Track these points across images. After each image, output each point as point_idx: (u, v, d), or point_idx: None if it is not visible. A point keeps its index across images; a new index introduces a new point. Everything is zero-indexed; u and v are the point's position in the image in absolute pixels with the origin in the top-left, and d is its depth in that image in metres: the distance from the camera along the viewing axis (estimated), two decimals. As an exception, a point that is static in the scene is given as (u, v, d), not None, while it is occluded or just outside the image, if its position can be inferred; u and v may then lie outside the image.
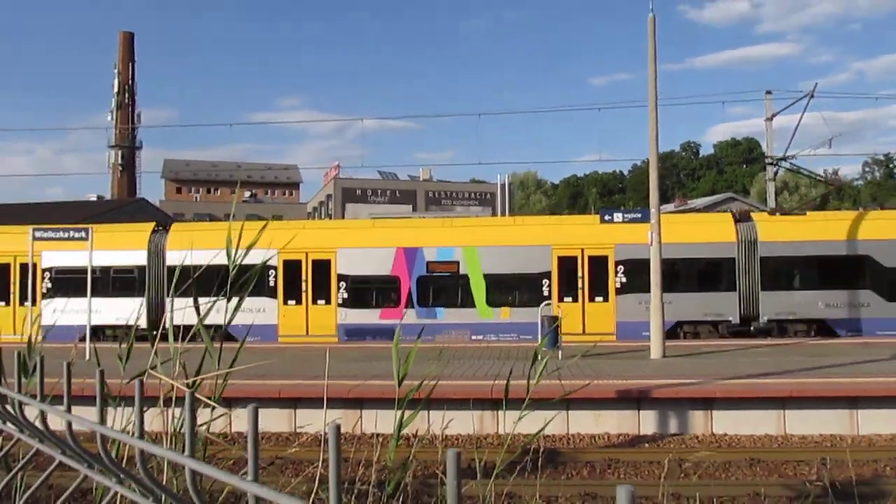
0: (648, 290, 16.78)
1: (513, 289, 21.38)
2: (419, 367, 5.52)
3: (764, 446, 10.99)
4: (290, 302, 21.80)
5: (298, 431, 11.72)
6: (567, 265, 21.41)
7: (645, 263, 17.23)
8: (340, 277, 21.63)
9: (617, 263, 21.19)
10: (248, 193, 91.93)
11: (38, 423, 1.19)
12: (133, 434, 1.03)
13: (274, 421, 11.66)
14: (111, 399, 4.14)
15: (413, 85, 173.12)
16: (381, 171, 68.77)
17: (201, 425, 4.14)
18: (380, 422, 11.36)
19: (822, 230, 21.12)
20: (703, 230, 21.90)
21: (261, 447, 10.98)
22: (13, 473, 1.39)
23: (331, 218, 56.80)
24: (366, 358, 16.31)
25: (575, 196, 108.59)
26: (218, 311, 4.16)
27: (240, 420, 8.22)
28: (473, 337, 21.24)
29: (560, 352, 15.87)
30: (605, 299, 21.28)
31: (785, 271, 21.18)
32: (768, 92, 29.61)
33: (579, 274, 21.42)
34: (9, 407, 1.26)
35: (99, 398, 0.85)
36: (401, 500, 4.57)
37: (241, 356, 4.09)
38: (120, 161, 79.86)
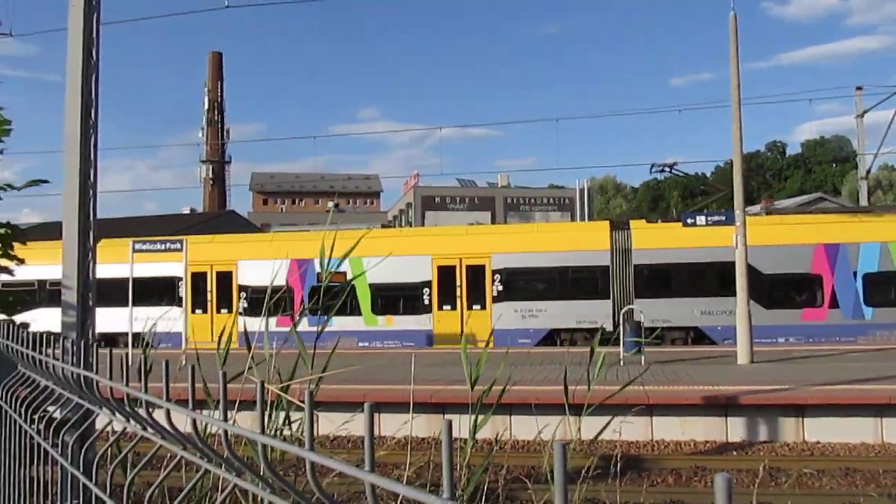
0: (524, 299, 18.26)
1: (396, 298, 22.02)
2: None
3: (860, 455, 10.56)
4: (197, 311, 23.05)
5: (383, 435, 12.00)
6: (446, 274, 22.06)
7: (521, 272, 17.79)
8: (241, 288, 23.09)
9: (494, 272, 21.63)
10: (330, 203, 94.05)
11: (165, 423, 1.32)
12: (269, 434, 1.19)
13: (356, 425, 11.94)
14: (210, 401, 4.44)
15: (491, 92, 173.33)
16: (459, 178, 69.14)
17: (292, 422, 4.39)
18: (464, 427, 11.49)
19: (699, 237, 20.72)
20: (578, 238, 22.08)
21: (346, 451, 11.32)
22: (164, 476, 1.52)
23: (411, 226, 57.43)
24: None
25: (656, 199, 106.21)
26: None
27: (327, 423, 8.52)
28: (360, 344, 21.90)
29: (643, 357, 15.68)
30: (483, 307, 21.71)
31: (660, 279, 21.03)
32: (858, 88, 28.42)
33: (458, 283, 22.06)
34: (140, 410, 1.37)
35: (259, 404, 0.98)
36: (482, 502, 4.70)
37: (327, 361, 4.32)
38: (210, 175, 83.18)
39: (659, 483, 9.52)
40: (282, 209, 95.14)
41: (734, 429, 11.57)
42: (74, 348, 1.55)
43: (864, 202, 28.50)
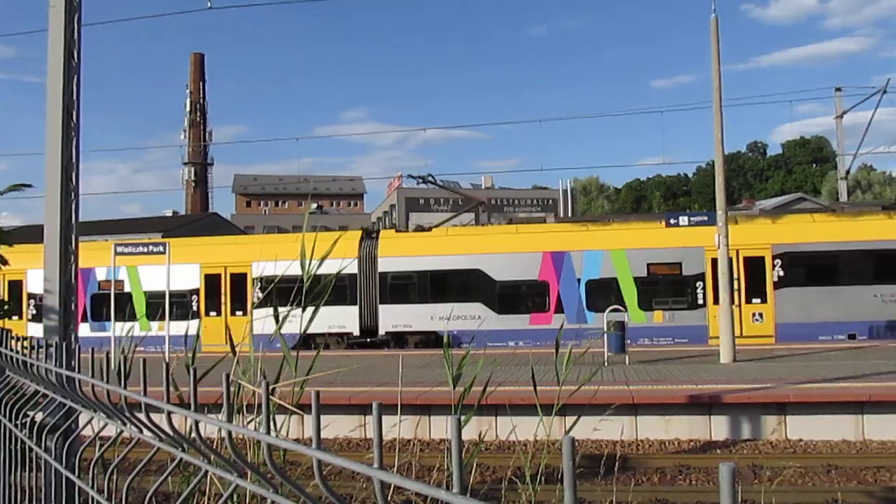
0: (280, 305, 18.23)
1: (169, 305, 22.54)
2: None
3: (842, 452, 10.68)
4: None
5: (368, 438, 11.98)
6: (212, 283, 23.32)
7: (281, 279, 18.97)
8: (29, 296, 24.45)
9: (254, 280, 22.92)
10: (314, 205, 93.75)
11: (165, 426, 1.31)
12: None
13: (344, 427, 11.93)
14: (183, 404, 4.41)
15: (475, 94, 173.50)
16: (443, 180, 69.22)
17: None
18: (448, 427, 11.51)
19: (440, 245, 21.92)
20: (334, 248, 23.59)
21: (337, 453, 11.29)
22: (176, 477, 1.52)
23: (395, 227, 57.42)
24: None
25: (638, 200, 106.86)
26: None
27: (308, 426, 8.50)
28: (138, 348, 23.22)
29: (627, 357, 15.78)
30: (245, 313, 22.90)
31: (402, 285, 22.12)
32: (838, 89, 28.73)
33: (222, 290, 23.37)
34: (140, 415, 1.35)
35: (265, 407, 0.97)
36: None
37: (311, 364, 4.33)
38: (193, 177, 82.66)
39: (644, 482, 9.58)
40: (265, 211, 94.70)
41: (717, 427, 11.67)
42: (58, 352, 1.54)
43: (843, 201, 28.86)
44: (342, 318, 22.31)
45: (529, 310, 22.15)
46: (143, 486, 1.49)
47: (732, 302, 16.83)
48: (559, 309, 21.82)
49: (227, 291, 23.50)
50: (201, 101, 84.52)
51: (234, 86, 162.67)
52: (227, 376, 1.09)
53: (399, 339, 22.33)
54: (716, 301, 20.42)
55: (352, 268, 22.36)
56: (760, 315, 21.30)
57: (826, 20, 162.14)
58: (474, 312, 21.70)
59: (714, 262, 20.33)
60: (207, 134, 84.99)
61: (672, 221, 21.69)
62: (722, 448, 11.19)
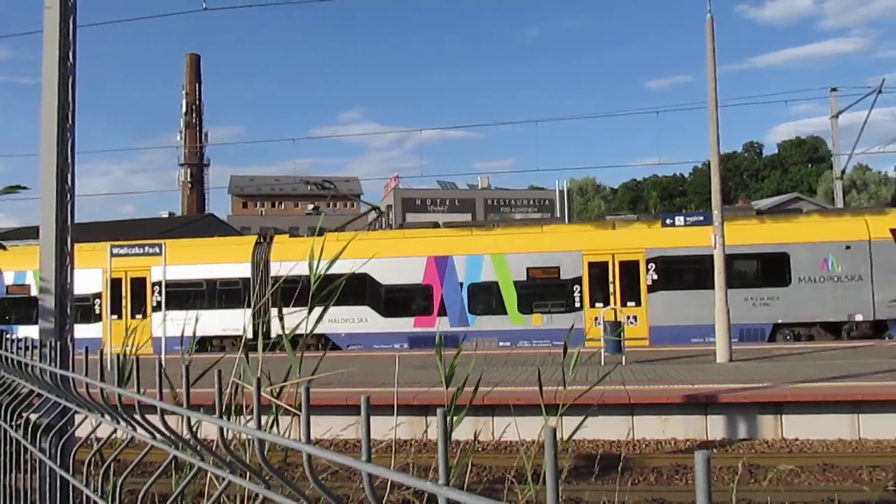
0: (182, 308, 20.94)
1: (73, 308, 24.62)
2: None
3: (837, 451, 10.71)
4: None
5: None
6: (116, 286, 24.01)
7: (179, 284, 22.03)
8: None
9: (154, 285, 23.75)
10: (310, 206, 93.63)
11: (159, 425, 1.32)
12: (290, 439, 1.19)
13: (340, 428, 11.94)
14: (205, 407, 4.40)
15: (471, 95, 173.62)
16: (440, 180, 69.26)
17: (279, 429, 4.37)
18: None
19: (331, 250, 22.83)
20: (227, 252, 24.42)
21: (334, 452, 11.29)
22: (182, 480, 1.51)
23: (391, 227, 57.46)
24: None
25: (635, 200, 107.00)
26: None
27: (313, 426, 8.49)
28: None
29: (623, 357, 15.80)
30: (144, 316, 23.94)
31: (293, 289, 23.03)
32: (833, 89, 28.81)
33: (123, 294, 24.25)
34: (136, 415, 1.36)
35: (256, 404, 0.98)
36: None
37: (317, 365, 4.33)
38: (189, 178, 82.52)
39: (641, 482, 9.59)
40: (261, 212, 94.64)
41: (714, 427, 11.70)
42: (52, 352, 1.55)
43: (839, 202, 28.93)
44: (237, 321, 22.97)
45: (414, 313, 22.60)
46: (140, 486, 1.48)
47: (604, 304, 18.43)
48: (442, 312, 22.36)
49: (128, 295, 24.37)
50: (197, 102, 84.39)
51: (230, 87, 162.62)
52: (220, 373, 1.10)
53: (292, 342, 22.76)
54: (592, 304, 21.87)
55: (244, 272, 23.52)
56: (635, 318, 21.78)
57: (821, 21, 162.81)
58: (362, 315, 22.36)
59: (591, 265, 21.96)
60: (203, 135, 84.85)
61: (668, 222, 21.74)
62: (718, 447, 11.21)
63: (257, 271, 23.33)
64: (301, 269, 25.36)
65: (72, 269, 7.63)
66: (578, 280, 21.97)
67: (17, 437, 1.62)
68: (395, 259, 22.49)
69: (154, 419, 1.36)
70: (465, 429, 10.85)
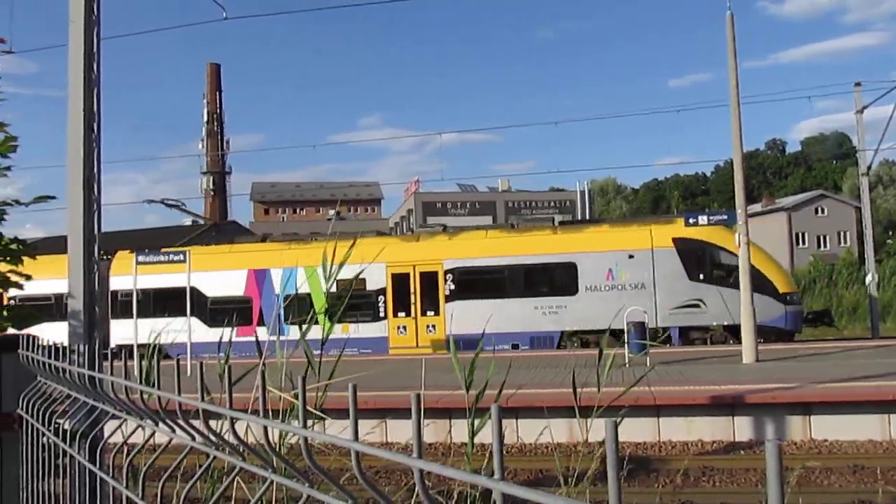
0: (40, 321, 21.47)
1: None
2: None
3: (868, 452, 10.55)
4: None
5: (390, 442, 12.03)
6: None
7: (36, 298, 20.81)
8: None
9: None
10: (331, 211, 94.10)
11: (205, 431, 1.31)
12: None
13: (363, 431, 11.96)
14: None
15: (490, 98, 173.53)
16: (460, 183, 69.32)
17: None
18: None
19: (164, 266, 22.94)
20: (63, 267, 26.24)
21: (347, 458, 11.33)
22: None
23: (412, 232, 57.67)
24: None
25: (657, 200, 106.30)
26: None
27: (338, 430, 8.54)
28: None
29: (648, 358, 15.70)
30: None
31: (127, 302, 22.51)
32: (857, 83, 28.37)
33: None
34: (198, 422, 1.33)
35: (302, 402, 0.97)
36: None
37: (333, 368, 4.36)
38: (212, 186, 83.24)
39: (667, 484, 9.52)
40: (283, 218, 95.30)
41: (741, 428, 11.57)
42: (83, 357, 1.58)
43: (865, 198, 28.51)
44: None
45: (236, 323, 23.26)
46: (177, 490, 1.50)
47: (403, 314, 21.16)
48: (261, 322, 23.19)
49: None
50: (218, 110, 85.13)
51: (251, 94, 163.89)
52: (263, 374, 1.11)
53: (128, 351, 23.76)
54: (395, 314, 23.01)
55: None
56: (434, 326, 22.58)
57: (843, 15, 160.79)
58: (191, 325, 22.93)
59: (394, 276, 22.97)
60: (225, 143, 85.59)
61: (691, 221, 21.57)
62: (746, 449, 11.09)
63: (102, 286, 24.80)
64: (146, 283, 25.56)
65: (98, 275, 7.75)
66: (383, 291, 23.02)
67: (55, 439, 1.65)
68: (221, 273, 23.79)
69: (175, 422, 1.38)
70: (488, 432, 10.82)
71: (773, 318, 20.38)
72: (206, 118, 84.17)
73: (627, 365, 15.34)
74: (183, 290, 20.02)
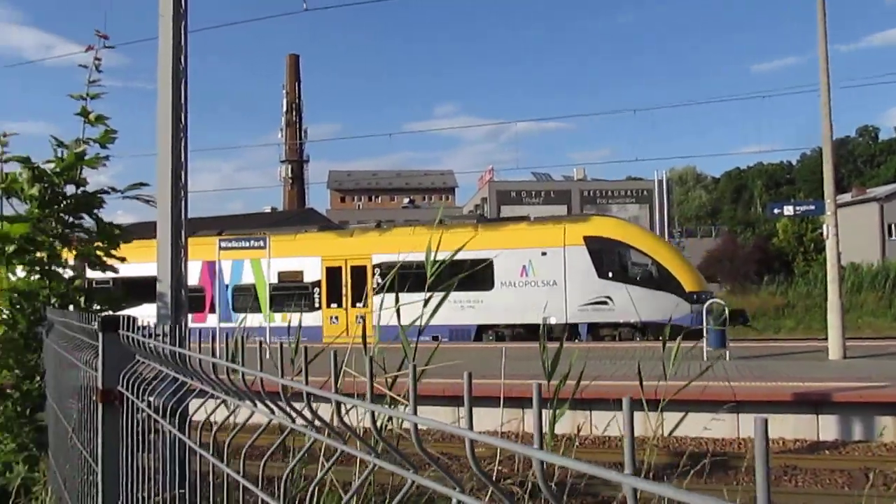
0: None
1: None
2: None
3: (966, 456, 10.00)
4: None
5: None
6: None
7: None
8: None
9: None
10: (406, 199, 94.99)
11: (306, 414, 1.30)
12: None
13: (438, 418, 12.04)
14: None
15: (566, 85, 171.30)
16: (535, 172, 68.77)
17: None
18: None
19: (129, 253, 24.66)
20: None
21: (429, 444, 11.44)
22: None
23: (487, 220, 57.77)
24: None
25: (738, 189, 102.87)
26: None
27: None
28: None
29: (727, 352, 15.28)
30: None
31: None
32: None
33: None
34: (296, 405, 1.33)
35: (412, 389, 0.96)
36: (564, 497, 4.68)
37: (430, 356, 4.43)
38: (290, 174, 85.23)
39: (747, 482, 9.26)
40: (359, 206, 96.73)
41: (826, 427, 11.14)
42: (173, 337, 1.65)
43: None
44: None
45: (192, 310, 24.42)
46: (259, 467, 1.53)
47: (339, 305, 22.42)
48: (213, 310, 24.25)
49: None
50: (297, 100, 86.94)
51: (329, 83, 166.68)
52: (371, 359, 1.12)
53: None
54: (329, 304, 24.44)
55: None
56: (363, 317, 23.02)
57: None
58: (150, 313, 23.68)
59: (328, 269, 24.49)
60: (303, 132, 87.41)
61: (776, 212, 20.80)
62: (831, 449, 10.67)
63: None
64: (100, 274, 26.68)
65: (186, 260, 8.06)
66: (318, 283, 24.60)
67: (150, 412, 1.73)
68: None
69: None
70: (564, 424, 10.76)
71: (679, 316, 20.29)
72: (285, 108, 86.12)
73: (705, 358, 14.97)
74: (147, 278, 21.03)
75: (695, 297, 21.48)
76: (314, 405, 1.24)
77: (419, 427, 0.99)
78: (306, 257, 24.71)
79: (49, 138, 4.82)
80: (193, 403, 1.70)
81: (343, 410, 1.29)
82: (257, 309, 24.26)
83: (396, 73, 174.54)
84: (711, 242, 56.77)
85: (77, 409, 2.63)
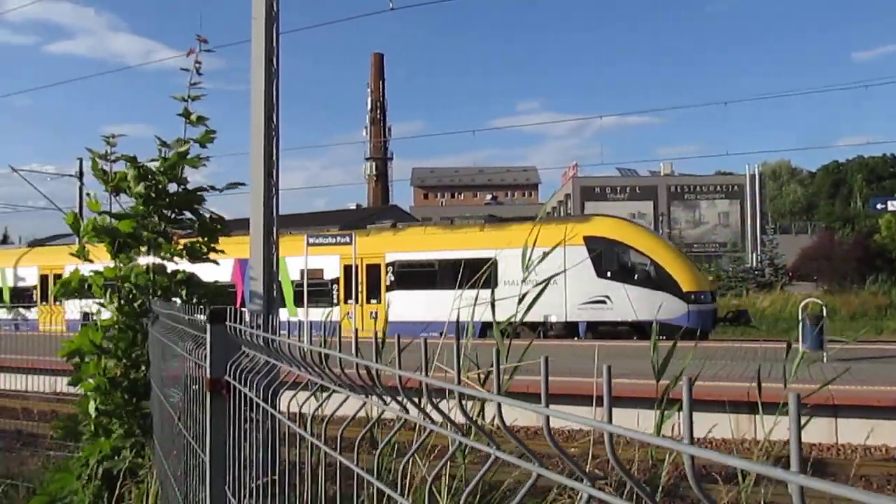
0: None
1: None
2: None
3: None
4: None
5: (560, 428, 12.00)
6: None
7: None
8: None
9: None
10: (489, 196, 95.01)
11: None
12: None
13: (523, 414, 12.00)
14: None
15: (653, 78, 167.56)
16: (620, 167, 67.50)
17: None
18: (642, 422, 11.26)
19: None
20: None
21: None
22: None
23: (570, 216, 57.10)
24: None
25: (836, 184, 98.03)
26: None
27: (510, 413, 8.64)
28: None
29: (825, 354, 14.64)
30: None
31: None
32: None
33: None
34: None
35: (607, 384, 0.94)
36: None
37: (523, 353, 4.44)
38: (374, 172, 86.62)
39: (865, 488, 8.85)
40: (442, 203, 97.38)
41: (934, 436, 10.51)
42: (267, 328, 1.72)
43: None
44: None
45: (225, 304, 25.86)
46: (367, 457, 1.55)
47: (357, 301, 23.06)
48: (243, 305, 24.68)
49: None
50: (381, 98, 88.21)
51: (413, 81, 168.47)
52: (546, 359, 1.12)
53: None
54: (346, 300, 25.31)
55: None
56: (376, 313, 24.53)
57: None
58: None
59: (346, 268, 25.07)
60: (387, 130, 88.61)
61: (879, 207, 19.91)
62: (939, 458, 10.07)
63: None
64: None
65: (277, 255, 8.32)
66: (336, 280, 25.72)
67: (252, 396, 1.81)
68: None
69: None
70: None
71: (675, 315, 20.22)
72: (369, 106, 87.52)
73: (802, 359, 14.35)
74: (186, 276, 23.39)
75: (692, 296, 21.68)
76: (420, 399, 1.27)
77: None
78: (326, 256, 25.34)
79: (154, 138, 5.09)
80: (285, 396, 1.77)
81: (435, 402, 1.31)
82: (282, 304, 24.85)
83: (479, 70, 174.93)
84: (807, 240, 54.37)
85: (183, 398, 2.76)
